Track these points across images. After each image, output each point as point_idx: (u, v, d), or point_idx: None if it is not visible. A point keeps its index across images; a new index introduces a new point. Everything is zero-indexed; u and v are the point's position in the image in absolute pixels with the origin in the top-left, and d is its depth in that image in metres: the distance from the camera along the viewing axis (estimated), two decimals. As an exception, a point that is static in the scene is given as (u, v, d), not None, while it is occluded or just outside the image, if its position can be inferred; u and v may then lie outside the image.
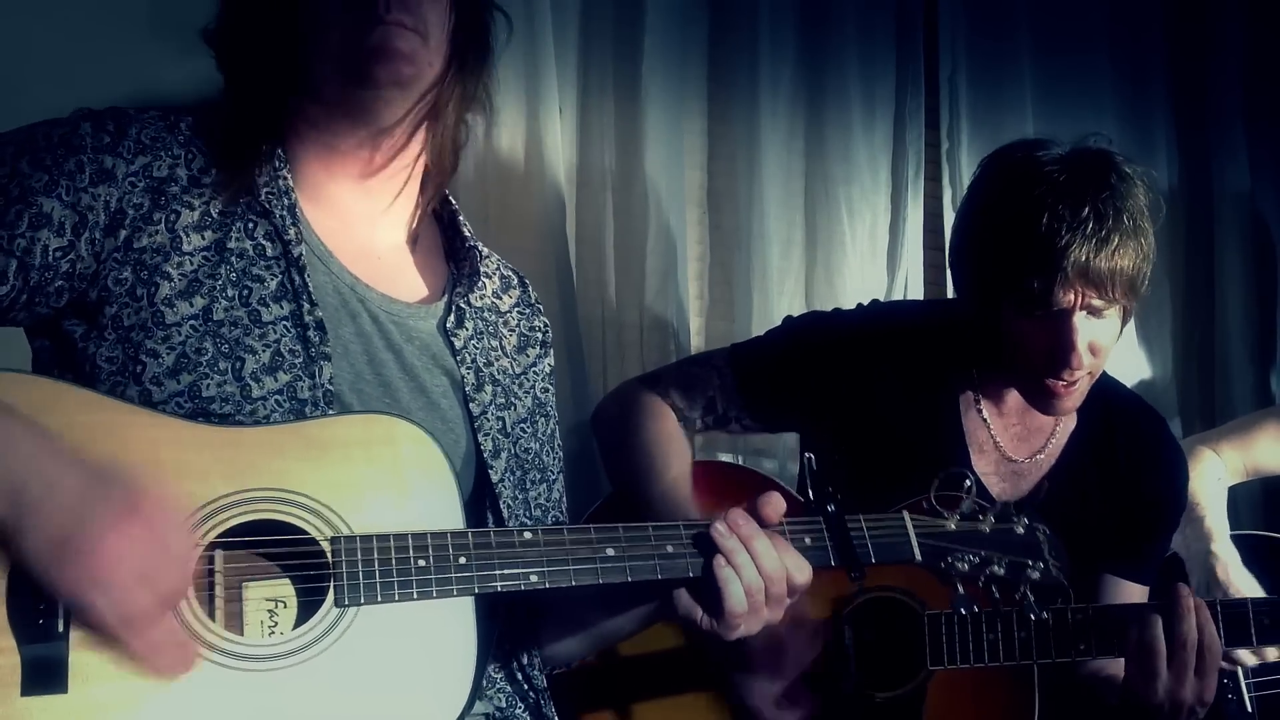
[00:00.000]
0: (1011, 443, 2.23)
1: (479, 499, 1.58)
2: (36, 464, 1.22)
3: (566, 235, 2.75)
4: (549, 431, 1.74)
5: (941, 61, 3.19)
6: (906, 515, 1.60)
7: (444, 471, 1.41)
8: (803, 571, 1.48)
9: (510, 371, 1.69)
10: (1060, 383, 2.04)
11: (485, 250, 1.74)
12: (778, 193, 2.99)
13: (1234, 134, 3.49)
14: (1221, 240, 3.48)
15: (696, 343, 2.94)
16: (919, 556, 1.57)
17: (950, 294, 3.07)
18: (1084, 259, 1.94)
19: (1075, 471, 2.22)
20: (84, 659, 1.24)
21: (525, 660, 1.63)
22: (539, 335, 1.75)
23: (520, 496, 1.62)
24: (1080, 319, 1.99)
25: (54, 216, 1.38)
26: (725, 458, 2.79)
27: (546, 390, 1.75)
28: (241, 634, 1.31)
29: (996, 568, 1.60)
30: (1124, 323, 2.08)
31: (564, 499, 1.75)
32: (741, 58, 2.96)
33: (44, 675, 1.23)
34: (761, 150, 2.96)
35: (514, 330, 1.72)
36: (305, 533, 1.34)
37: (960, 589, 1.59)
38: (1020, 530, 1.65)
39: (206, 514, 1.31)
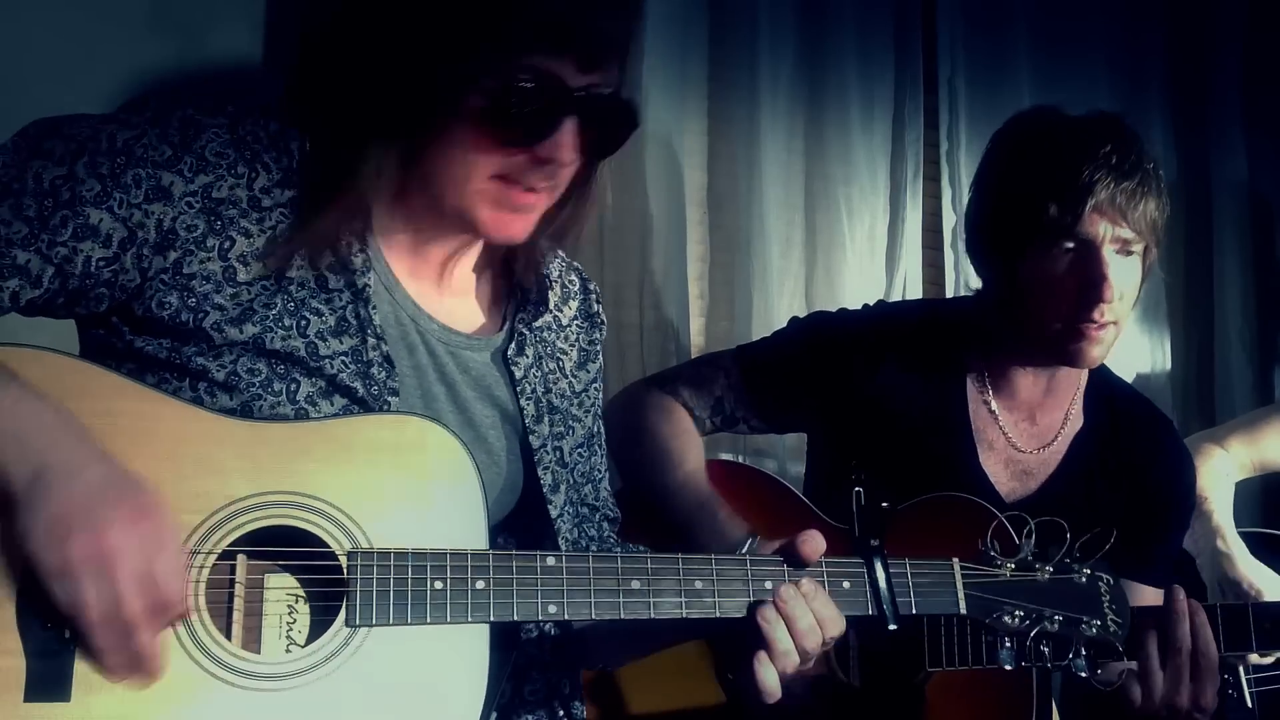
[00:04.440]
0: (1021, 436, 2.22)
1: (537, 534, 1.53)
2: (65, 448, 1.21)
3: (567, 235, 2.75)
4: (598, 430, 1.70)
5: (940, 62, 3.20)
6: (956, 563, 1.50)
7: (472, 481, 1.37)
8: (837, 625, 1.43)
9: (570, 392, 1.64)
10: (1090, 324, 2.04)
11: (551, 256, 1.66)
12: (777, 193, 2.99)
13: (1232, 132, 3.51)
14: (1221, 239, 3.49)
15: (697, 343, 2.93)
16: (964, 609, 1.48)
17: (948, 294, 3.12)
18: (1110, 189, 1.98)
19: (1082, 468, 2.22)
20: (89, 669, 1.22)
21: (567, 690, 1.59)
22: (598, 347, 1.70)
23: (578, 527, 1.59)
24: (1109, 252, 2.01)
25: (101, 229, 1.31)
26: (726, 457, 2.79)
27: (598, 391, 1.71)
28: (259, 642, 1.30)
29: (1049, 624, 1.50)
30: (1145, 274, 2.10)
31: (611, 495, 1.72)
32: (741, 58, 2.96)
33: (48, 682, 1.22)
34: (761, 151, 2.96)
35: (574, 345, 1.66)
36: (324, 543, 1.31)
37: (1008, 643, 1.50)
38: (1082, 580, 1.54)
39: (223, 518, 1.28)
